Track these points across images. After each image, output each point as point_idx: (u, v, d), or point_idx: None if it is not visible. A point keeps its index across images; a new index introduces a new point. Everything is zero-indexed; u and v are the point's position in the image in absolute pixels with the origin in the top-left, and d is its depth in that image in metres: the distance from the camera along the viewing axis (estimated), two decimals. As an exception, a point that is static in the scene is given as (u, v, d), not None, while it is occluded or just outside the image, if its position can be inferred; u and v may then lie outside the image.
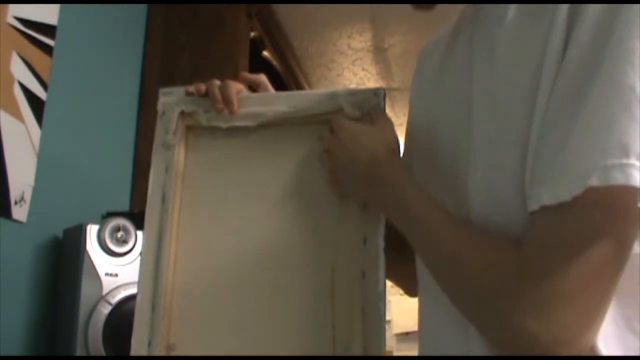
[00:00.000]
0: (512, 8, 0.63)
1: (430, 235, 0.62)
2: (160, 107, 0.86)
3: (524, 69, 0.59)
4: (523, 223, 0.56)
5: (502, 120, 0.60)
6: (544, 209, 0.52)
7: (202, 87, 0.83)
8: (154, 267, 0.80)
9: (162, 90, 0.87)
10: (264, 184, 0.83)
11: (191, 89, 0.86)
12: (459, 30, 0.75)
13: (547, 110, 0.55)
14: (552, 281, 0.51)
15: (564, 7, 0.56)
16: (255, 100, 0.85)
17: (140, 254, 0.82)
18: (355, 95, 0.80)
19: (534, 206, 0.53)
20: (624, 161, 0.49)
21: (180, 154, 0.85)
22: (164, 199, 0.82)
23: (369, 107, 0.79)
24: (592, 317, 0.52)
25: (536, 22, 0.60)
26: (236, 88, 0.84)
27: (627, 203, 0.50)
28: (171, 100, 0.86)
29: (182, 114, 0.85)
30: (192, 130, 0.86)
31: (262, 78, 0.88)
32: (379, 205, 0.73)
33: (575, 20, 0.55)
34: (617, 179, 0.48)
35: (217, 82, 0.84)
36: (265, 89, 0.88)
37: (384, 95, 0.80)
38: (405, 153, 0.83)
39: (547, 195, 0.52)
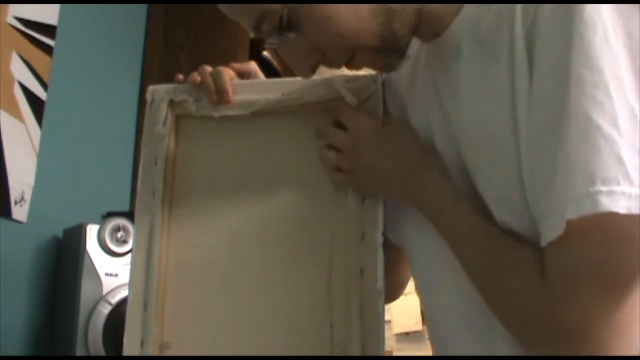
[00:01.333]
0: (465, 41, 0.63)
1: (470, 251, 0.63)
2: (148, 95, 0.83)
3: (496, 109, 0.59)
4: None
5: (492, 160, 0.61)
6: (551, 244, 0.54)
7: (197, 78, 0.81)
8: (145, 263, 0.77)
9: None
10: (257, 175, 0.80)
11: (181, 76, 0.83)
12: (417, 65, 0.75)
13: (528, 146, 0.57)
14: (580, 310, 0.53)
15: (520, 39, 0.57)
16: (248, 87, 0.82)
17: (131, 249, 0.80)
18: (353, 82, 0.77)
19: (543, 242, 0.55)
20: (590, 189, 0.51)
21: (170, 144, 0.82)
22: (154, 192, 0.80)
23: (367, 94, 0.77)
24: (629, 332, 0.53)
25: (494, 57, 0.60)
26: (229, 75, 0.81)
27: (606, 226, 0.52)
28: (160, 88, 0.83)
29: (172, 103, 0.82)
30: (183, 119, 0.83)
31: (253, 66, 0.86)
32: (418, 207, 0.69)
33: (533, 51, 0.56)
34: (587, 208, 0.51)
35: (209, 69, 0.81)
36: (256, 77, 0.85)
37: (383, 83, 0.78)
38: None
39: (548, 232, 0.54)
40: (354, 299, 0.73)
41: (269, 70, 2.64)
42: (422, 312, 2.86)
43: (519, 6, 0.57)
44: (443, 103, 0.67)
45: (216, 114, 0.81)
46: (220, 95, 0.79)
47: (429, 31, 0.67)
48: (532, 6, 0.57)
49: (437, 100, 0.68)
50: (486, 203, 0.63)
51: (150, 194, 0.80)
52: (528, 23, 0.57)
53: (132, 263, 0.79)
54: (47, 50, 1.55)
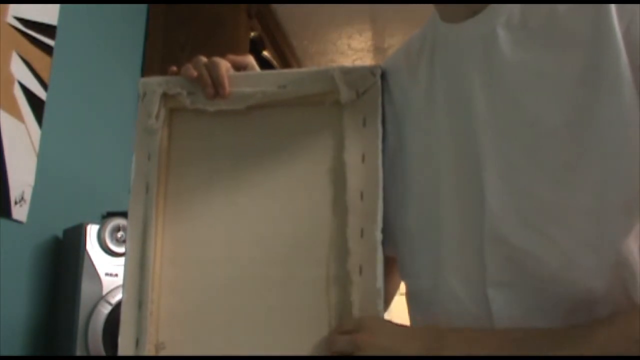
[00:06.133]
0: (501, 27, 0.64)
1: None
2: (140, 88, 0.81)
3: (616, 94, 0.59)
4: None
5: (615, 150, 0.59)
6: None
7: (193, 72, 0.78)
8: (139, 261, 0.76)
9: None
10: (254, 171, 0.78)
11: (174, 68, 0.81)
12: (421, 54, 0.74)
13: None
14: None
15: (617, 36, 0.58)
16: (243, 79, 0.79)
17: (125, 248, 0.78)
18: (350, 73, 0.76)
19: None
20: None
21: (164, 139, 0.80)
22: (147, 188, 0.78)
23: (365, 87, 0.75)
24: None
25: (555, 47, 0.61)
26: (225, 66, 0.79)
27: None
28: (152, 80, 0.81)
29: (165, 96, 0.80)
30: (176, 113, 0.81)
31: (249, 59, 0.84)
32: None
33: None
34: None
35: (204, 60, 0.79)
36: (253, 70, 0.84)
37: (381, 75, 0.76)
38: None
39: None
40: (353, 297, 0.72)
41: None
42: (422, 312, 2.86)
43: (613, 6, 0.58)
44: (474, 94, 0.66)
45: (211, 108, 0.79)
46: (216, 88, 0.78)
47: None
48: (629, 6, 0.58)
49: (467, 90, 0.67)
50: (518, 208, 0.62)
51: (143, 190, 0.78)
52: (625, 23, 0.58)
53: (126, 260, 0.77)
54: (47, 50, 1.55)
